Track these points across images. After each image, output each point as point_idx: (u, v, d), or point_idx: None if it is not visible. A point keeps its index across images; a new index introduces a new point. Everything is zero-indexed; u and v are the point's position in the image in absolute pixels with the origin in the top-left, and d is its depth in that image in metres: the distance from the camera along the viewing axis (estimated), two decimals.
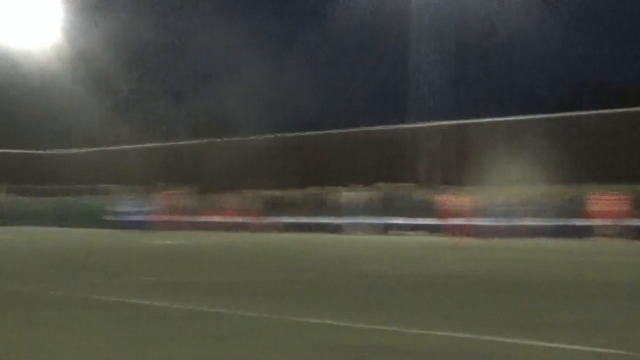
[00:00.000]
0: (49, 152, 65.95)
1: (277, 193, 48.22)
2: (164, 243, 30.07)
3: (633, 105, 41.28)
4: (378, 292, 13.16)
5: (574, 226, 35.23)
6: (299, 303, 11.46)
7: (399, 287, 14.07)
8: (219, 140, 55.78)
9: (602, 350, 7.37)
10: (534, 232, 36.17)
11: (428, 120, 48.03)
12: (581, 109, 43.48)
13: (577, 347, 7.58)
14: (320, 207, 45.09)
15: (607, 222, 33.41)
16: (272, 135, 54.03)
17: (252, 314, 9.86)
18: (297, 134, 53.26)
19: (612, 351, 7.30)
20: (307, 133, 52.53)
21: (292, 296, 12.47)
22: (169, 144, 59.44)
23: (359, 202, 43.05)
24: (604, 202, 32.98)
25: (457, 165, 44.71)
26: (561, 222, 36.18)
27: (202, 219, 47.30)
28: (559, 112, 43.92)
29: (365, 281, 15.09)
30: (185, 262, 21.02)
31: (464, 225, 36.96)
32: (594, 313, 10.23)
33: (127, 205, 43.58)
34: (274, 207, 47.94)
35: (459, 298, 12.13)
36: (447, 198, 38.81)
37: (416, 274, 16.78)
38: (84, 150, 63.30)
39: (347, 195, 43.69)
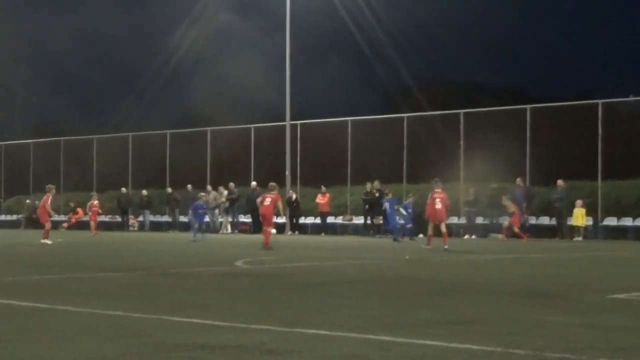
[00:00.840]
0: None
1: (145, 192, 48.94)
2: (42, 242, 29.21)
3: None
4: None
5: None
6: (151, 301, 11.21)
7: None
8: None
9: (477, 347, 7.28)
10: None
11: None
12: None
13: (454, 344, 7.49)
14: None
15: None
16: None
17: (111, 312, 9.63)
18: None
19: (488, 348, 7.21)
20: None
21: (142, 294, 12.20)
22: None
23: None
24: None
25: None
26: None
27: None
28: None
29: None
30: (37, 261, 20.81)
31: None
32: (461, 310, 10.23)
33: None
34: (136, 206, 49.04)
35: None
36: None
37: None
38: None
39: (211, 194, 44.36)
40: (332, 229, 42.67)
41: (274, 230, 42.66)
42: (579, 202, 35.69)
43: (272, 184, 28.04)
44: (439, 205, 26.34)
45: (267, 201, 27.01)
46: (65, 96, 70.20)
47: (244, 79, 56.85)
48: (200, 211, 34.32)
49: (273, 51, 50.27)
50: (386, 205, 35.63)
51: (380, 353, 7.10)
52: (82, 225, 48.44)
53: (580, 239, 35.24)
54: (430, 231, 27.02)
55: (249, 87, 56.37)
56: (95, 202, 41.23)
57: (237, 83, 58.18)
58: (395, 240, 33.18)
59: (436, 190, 26.76)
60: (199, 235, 32.89)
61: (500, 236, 34.76)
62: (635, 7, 59.15)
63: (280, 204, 27.81)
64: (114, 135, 56.05)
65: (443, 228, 26.61)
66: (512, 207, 34.86)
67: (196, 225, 34.04)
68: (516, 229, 34.67)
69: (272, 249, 25.07)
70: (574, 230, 35.97)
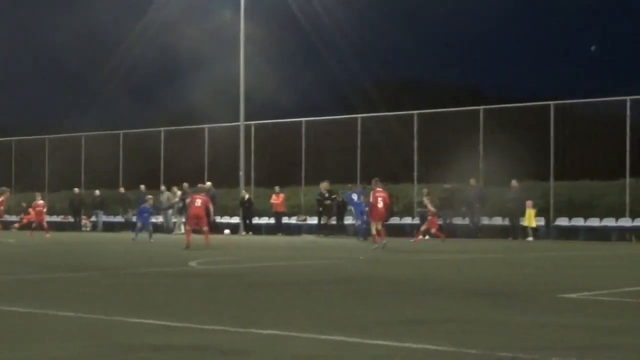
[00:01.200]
0: None
1: (98, 192, 48.62)
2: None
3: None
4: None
5: None
6: (104, 302, 11.15)
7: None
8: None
9: (431, 347, 7.32)
10: None
11: None
12: None
13: (406, 344, 7.50)
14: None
15: None
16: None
17: (64, 313, 9.56)
18: None
19: (441, 348, 7.26)
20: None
21: (95, 295, 12.16)
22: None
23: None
24: None
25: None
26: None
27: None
28: None
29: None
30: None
31: None
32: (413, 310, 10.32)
33: None
34: (89, 206, 48.71)
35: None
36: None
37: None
38: None
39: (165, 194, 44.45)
40: (287, 229, 42.63)
41: (227, 231, 42.74)
42: (529, 202, 35.92)
43: (203, 185, 28.05)
44: (380, 205, 26.59)
45: (198, 202, 27.14)
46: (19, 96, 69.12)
47: (201, 79, 56.57)
48: (146, 214, 33.95)
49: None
50: (354, 196, 35.56)
51: (334, 353, 7.09)
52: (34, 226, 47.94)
53: (531, 239, 35.48)
54: (374, 231, 27.18)
55: (207, 88, 56.12)
56: (40, 201, 40.72)
57: (195, 83, 57.88)
58: (359, 238, 33.34)
59: (377, 189, 26.98)
60: (142, 235, 32.59)
61: (413, 240, 33.56)
62: (594, 9, 59.61)
63: (210, 206, 28.00)
64: (66, 136, 55.50)
65: (379, 226, 26.78)
66: (431, 208, 34.71)
67: (139, 225, 33.80)
68: (433, 230, 34.31)
69: (212, 248, 25.49)
70: (525, 230, 36.21)
